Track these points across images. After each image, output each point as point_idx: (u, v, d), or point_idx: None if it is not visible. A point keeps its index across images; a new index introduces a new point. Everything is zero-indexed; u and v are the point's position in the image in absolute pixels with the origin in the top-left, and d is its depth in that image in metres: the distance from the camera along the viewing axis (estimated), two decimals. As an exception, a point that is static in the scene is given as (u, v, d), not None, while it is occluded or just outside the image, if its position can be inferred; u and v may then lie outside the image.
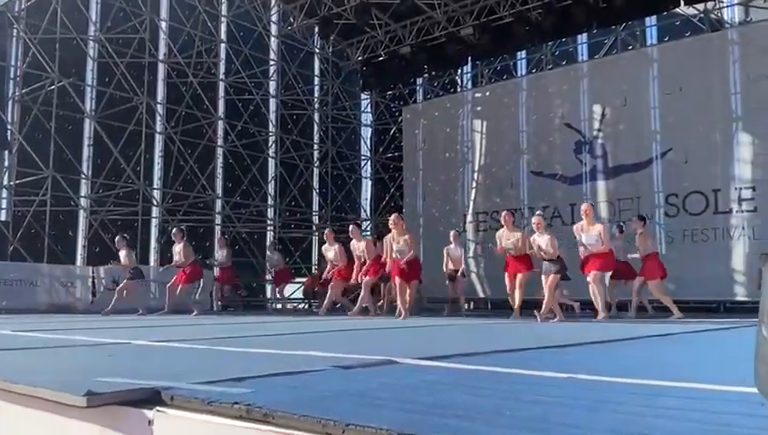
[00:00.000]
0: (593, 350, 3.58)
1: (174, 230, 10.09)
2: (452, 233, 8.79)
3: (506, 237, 8.03)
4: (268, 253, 13.09)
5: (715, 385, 1.95)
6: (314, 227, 15.71)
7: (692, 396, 1.82)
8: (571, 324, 6.57)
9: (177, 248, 9.75)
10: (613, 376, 2.16)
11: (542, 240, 7.44)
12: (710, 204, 10.67)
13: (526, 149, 12.95)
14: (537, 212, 8.28)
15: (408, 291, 8.18)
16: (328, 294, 9.06)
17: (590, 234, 7.51)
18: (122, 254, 9.75)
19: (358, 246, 8.99)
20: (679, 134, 11.13)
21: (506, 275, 8.19)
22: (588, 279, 7.52)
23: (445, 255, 9.88)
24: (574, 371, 2.22)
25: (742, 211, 10.38)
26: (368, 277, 8.29)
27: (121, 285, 9.72)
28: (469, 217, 13.32)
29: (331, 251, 9.57)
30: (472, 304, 12.83)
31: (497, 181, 13.18)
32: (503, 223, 8.27)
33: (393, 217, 8.17)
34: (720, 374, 2.35)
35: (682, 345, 4.06)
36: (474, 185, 13.52)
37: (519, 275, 7.92)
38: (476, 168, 13.54)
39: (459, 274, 9.71)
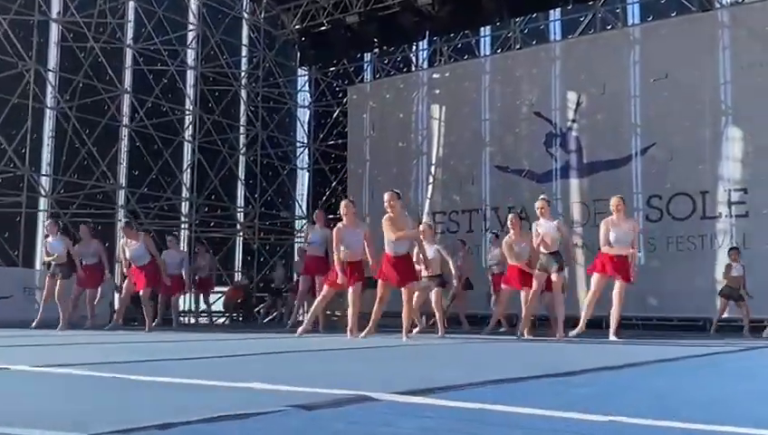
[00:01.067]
0: (603, 378, 3.54)
1: (81, 227, 9.62)
2: (421, 226, 7.98)
3: (516, 243, 7.97)
4: (197, 255, 12.45)
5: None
6: (238, 226, 15.30)
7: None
8: (558, 345, 6.57)
9: (90, 248, 9.27)
10: (658, 417, 2.09)
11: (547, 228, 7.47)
12: (697, 208, 10.74)
13: (489, 140, 12.92)
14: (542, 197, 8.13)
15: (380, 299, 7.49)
16: (314, 305, 8.03)
17: (623, 231, 7.21)
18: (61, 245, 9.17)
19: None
20: (663, 128, 11.20)
21: (503, 286, 8.12)
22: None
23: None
24: (603, 408, 2.20)
25: (731, 216, 10.45)
26: (328, 286, 7.53)
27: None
28: (424, 218, 13.08)
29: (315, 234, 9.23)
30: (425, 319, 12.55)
31: (456, 177, 13.04)
32: (510, 227, 8.12)
33: (344, 202, 7.46)
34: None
35: (696, 374, 4.05)
36: (430, 180, 13.41)
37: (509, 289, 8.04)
38: (433, 160, 13.46)
39: (457, 282, 9.10)
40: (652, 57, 11.38)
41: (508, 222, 8.24)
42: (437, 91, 13.72)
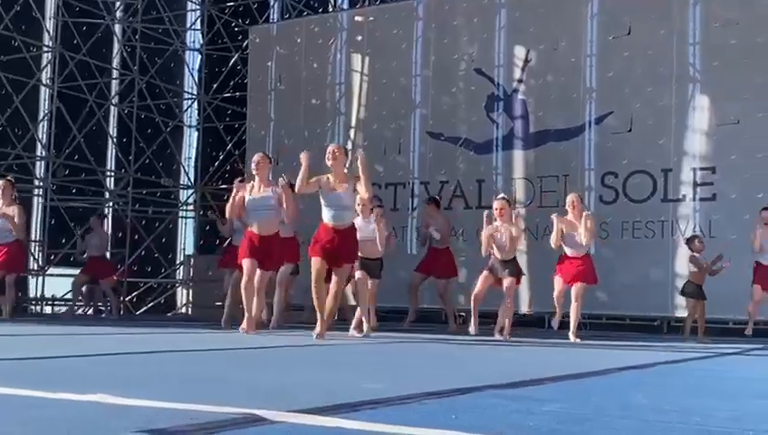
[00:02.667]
0: (568, 389, 3.52)
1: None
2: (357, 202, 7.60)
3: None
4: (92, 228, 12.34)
5: None
6: (107, 195, 14.74)
7: None
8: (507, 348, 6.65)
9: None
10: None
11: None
12: (658, 188, 10.95)
13: (421, 101, 12.87)
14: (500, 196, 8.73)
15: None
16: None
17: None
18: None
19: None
20: (622, 94, 11.37)
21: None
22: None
23: None
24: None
25: (696, 199, 10.72)
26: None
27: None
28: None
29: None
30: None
31: (380, 143, 12.93)
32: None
33: (332, 147, 7.16)
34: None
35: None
36: (348, 146, 13.04)
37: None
38: (352, 123, 13.35)
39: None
40: (613, 10, 11.50)
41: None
42: (359, 39, 13.53)
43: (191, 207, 16.22)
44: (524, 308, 11.16)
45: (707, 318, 9.57)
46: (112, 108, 15.01)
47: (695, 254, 9.43)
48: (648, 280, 10.67)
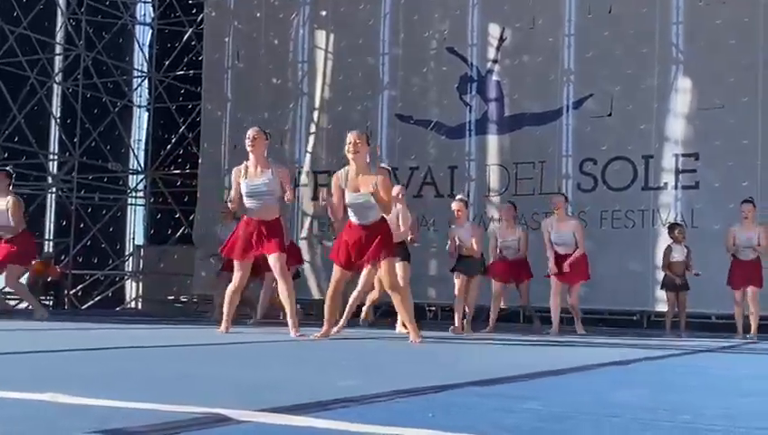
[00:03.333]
0: (547, 386, 3.55)
1: None
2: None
3: (503, 236, 9.30)
4: None
5: None
6: (50, 180, 14.51)
7: None
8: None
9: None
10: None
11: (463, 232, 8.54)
12: (639, 176, 11.09)
13: (389, 82, 12.89)
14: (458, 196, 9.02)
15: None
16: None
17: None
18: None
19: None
20: (601, 76, 11.47)
21: (495, 282, 9.19)
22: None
23: None
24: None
25: (679, 187, 10.86)
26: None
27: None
28: (303, 178, 12.91)
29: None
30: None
31: (346, 126, 12.64)
32: (502, 217, 9.47)
33: (353, 136, 6.35)
34: None
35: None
36: (312, 129, 13.28)
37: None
38: (316, 104, 13.33)
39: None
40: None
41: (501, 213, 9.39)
42: (324, 14, 13.48)
43: (141, 194, 16.15)
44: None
45: (689, 312, 9.71)
46: (56, 86, 14.93)
47: (670, 244, 9.57)
48: (627, 272, 10.81)
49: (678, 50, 11.12)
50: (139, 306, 15.28)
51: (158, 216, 15.82)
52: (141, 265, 15.51)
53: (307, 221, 13.01)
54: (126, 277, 15.94)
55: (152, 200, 15.82)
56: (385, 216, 6.46)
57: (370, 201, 6.20)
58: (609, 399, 3.10)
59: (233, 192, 6.84)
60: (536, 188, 11.51)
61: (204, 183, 13.99)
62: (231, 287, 6.95)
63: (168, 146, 15.78)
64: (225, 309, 7.00)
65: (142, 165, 16.04)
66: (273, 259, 6.72)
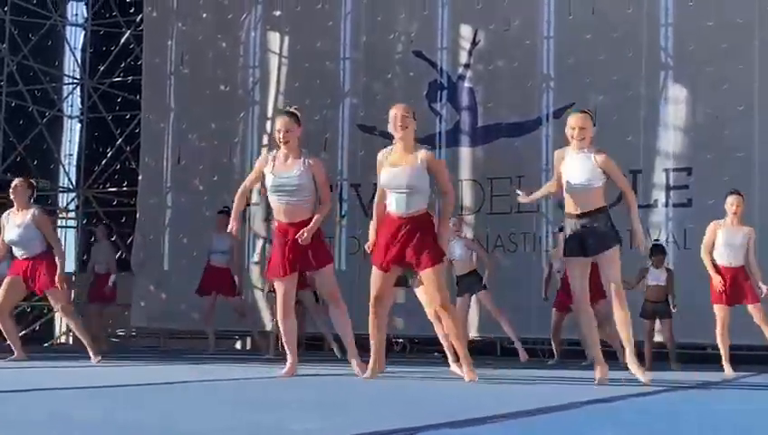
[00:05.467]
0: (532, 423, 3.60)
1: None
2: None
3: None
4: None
5: None
6: None
7: None
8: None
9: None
10: None
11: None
12: (626, 192, 10.99)
13: (351, 89, 13.00)
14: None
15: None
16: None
17: None
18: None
19: None
20: (584, 83, 11.55)
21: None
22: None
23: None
24: None
25: (669, 205, 10.92)
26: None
27: None
28: (254, 196, 12.65)
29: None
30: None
31: (303, 138, 12.62)
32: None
33: (399, 111, 6.06)
34: None
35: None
36: (264, 141, 13.30)
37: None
38: (269, 113, 13.37)
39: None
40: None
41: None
42: (278, 14, 13.55)
43: (72, 215, 16.12)
44: (473, 332, 11.11)
45: (680, 343, 9.63)
46: (-23, 94, 14.86)
47: (647, 267, 9.45)
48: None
49: (667, 54, 11.22)
50: (71, 341, 14.95)
51: (92, 239, 15.54)
52: (72, 296, 15.17)
53: (259, 244, 12.93)
54: (54, 310, 15.60)
55: (85, 221, 15.77)
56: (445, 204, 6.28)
57: (413, 180, 5.88)
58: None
59: (252, 174, 6.50)
60: (513, 207, 11.42)
61: (144, 202, 13.97)
62: (279, 314, 6.38)
63: (104, 161, 15.78)
64: (286, 345, 6.46)
65: (74, 182, 16.01)
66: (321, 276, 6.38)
